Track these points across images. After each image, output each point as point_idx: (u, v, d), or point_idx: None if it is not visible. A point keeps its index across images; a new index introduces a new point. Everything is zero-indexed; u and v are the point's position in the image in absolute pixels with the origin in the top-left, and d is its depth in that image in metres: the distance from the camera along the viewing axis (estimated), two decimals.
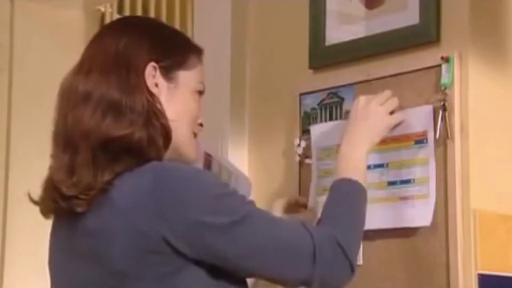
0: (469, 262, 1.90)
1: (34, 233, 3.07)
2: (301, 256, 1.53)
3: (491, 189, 1.97)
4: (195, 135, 1.70)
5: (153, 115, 1.57)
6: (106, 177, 1.51)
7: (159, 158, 1.56)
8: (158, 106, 1.59)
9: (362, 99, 1.89)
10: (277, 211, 2.03)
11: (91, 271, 1.53)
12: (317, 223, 1.65)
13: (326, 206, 1.68)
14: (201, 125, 1.71)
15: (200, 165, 1.91)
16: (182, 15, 3.42)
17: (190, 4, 2.99)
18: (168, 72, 1.63)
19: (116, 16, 3.47)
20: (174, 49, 1.66)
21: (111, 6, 3.42)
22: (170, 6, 3.48)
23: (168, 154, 1.60)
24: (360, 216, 1.68)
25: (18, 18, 3.30)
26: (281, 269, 1.53)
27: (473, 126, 1.95)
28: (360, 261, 2.05)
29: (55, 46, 3.25)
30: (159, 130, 1.57)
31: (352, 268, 1.59)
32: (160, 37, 1.66)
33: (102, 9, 3.39)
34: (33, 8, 3.31)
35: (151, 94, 1.59)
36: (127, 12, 3.43)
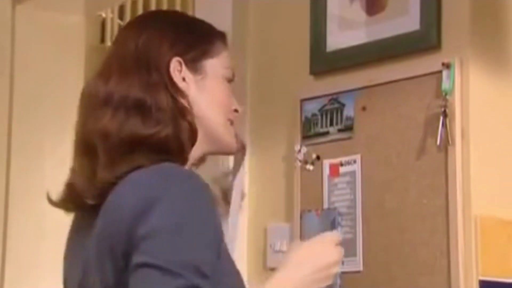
0: (470, 268, 1.90)
1: (35, 234, 3.08)
2: None
3: (492, 194, 1.97)
4: (231, 122, 1.64)
5: (178, 113, 1.53)
6: (119, 171, 1.48)
7: (183, 156, 1.53)
8: (184, 102, 1.55)
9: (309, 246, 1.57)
10: None
11: (100, 252, 1.49)
12: None
13: None
14: (236, 111, 1.67)
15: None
16: None
17: (191, 11, 3.00)
18: (194, 63, 1.57)
19: (117, 22, 3.48)
20: (197, 38, 1.61)
21: (112, 12, 3.42)
22: None
23: (208, 147, 1.57)
24: None
25: (19, 23, 3.30)
26: None
27: (474, 132, 1.95)
28: (360, 267, 2.05)
29: (56, 51, 3.25)
30: (185, 129, 1.53)
31: None
32: (181, 29, 1.60)
33: (103, 14, 3.39)
34: (34, 13, 3.31)
35: (177, 90, 1.54)
36: (128, 17, 3.43)
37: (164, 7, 3.48)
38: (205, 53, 1.60)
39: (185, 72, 1.57)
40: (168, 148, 1.50)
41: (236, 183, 2.02)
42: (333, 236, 1.59)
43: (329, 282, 1.52)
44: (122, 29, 1.70)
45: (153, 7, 3.51)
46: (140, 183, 1.45)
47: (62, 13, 3.31)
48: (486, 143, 1.97)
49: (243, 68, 2.43)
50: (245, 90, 2.43)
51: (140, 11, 3.49)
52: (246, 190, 2.34)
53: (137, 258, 1.36)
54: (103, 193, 1.48)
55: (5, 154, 3.25)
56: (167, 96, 1.53)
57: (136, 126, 1.50)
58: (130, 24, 1.72)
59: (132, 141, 1.49)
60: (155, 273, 1.34)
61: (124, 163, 1.48)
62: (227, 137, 1.61)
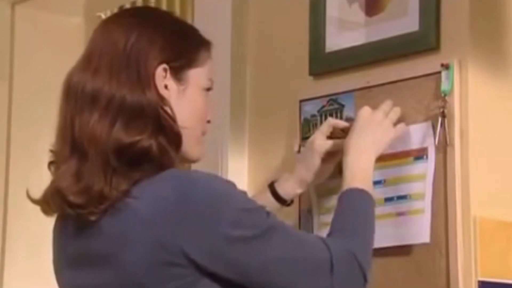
0: (469, 269, 1.90)
1: (34, 235, 3.07)
2: (319, 269, 1.54)
3: (491, 195, 1.97)
4: (203, 134, 1.67)
5: (163, 119, 1.53)
6: (124, 185, 1.48)
7: (172, 165, 1.53)
8: (168, 109, 1.55)
9: (366, 109, 1.90)
10: (320, 143, 1.97)
11: (107, 278, 1.51)
12: (329, 234, 1.66)
13: (338, 217, 1.69)
14: (208, 121, 1.68)
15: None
16: None
17: (190, 11, 3.00)
18: (178, 72, 1.58)
19: None
20: (185, 47, 1.61)
21: (112, 12, 3.41)
22: None
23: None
24: (371, 226, 1.70)
25: (18, 24, 3.30)
26: (300, 282, 1.53)
27: (473, 133, 1.95)
28: None
29: (56, 52, 3.25)
30: (169, 135, 1.53)
31: (365, 279, 1.62)
32: (171, 34, 1.60)
33: (103, 15, 3.38)
34: (34, 15, 3.32)
35: (161, 97, 1.55)
36: None
37: (164, 7, 3.48)
38: (191, 63, 1.61)
39: (169, 80, 1.57)
40: (153, 157, 1.50)
41: None
42: (393, 114, 1.89)
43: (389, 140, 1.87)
44: (110, 21, 1.66)
45: None
46: (167, 199, 1.47)
47: (62, 14, 3.31)
48: (485, 144, 1.97)
49: (243, 69, 2.43)
50: (244, 91, 2.43)
51: None
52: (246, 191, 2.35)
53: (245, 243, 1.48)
54: (105, 209, 1.48)
55: (4, 156, 3.25)
56: (154, 100, 1.53)
57: (119, 133, 1.49)
58: (119, 17, 1.68)
59: (118, 149, 1.49)
60: (267, 236, 1.51)
61: (125, 178, 1.48)
62: (195, 149, 1.63)
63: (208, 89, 1.66)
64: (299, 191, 2.00)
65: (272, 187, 1.99)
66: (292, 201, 2.03)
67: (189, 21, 3.29)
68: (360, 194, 1.73)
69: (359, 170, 1.78)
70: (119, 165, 1.49)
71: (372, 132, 1.85)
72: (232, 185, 1.56)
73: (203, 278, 1.47)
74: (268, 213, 1.55)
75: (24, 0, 3.27)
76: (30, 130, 3.25)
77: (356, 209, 1.70)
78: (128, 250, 1.47)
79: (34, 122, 3.24)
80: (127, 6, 3.44)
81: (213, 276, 1.47)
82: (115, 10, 3.39)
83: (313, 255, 1.55)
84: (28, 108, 3.27)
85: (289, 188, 1.98)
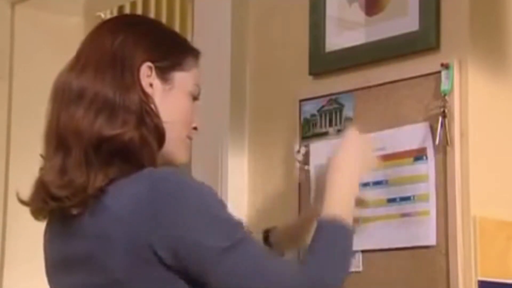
0: (469, 269, 1.90)
1: (34, 236, 3.07)
2: None
3: (491, 195, 1.97)
4: (189, 138, 1.68)
5: (147, 115, 1.54)
6: (99, 182, 1.49)
7: (153, 161, 1.53)
8: (152, 106, 1.56)
9: (356, 132, 1.76)
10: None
11: (90, 279, 1.52)
12: (303, 261, 1.57)
13: (314, 245, 1.58)
14: (195, 128, 1.69)
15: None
16: (182, 22, 3.42)
17: (190, 11, 3.00)
18: (164, 72, 1.60)
19: None
20: (171, 49, 1.63)
21: (111, 12, 3.42)
22: (169, 18, 3.48)
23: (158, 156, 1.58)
24: (347, 257, 1.60)
25: (18, 24, 3.30)
26: None
27: (473, 133, 1.95)
28: (359, 267, 2.04)
29: (56, 53, 3.25)
30: (152, 131, 1.54)
31: None
32: (157, 36, 1.63)
33: (102, 15, 3.39)
34: (34, 15, 3.32)
35: (146, 94, 1.57)
36: None
37: (163, 7, 3.49)
38: (177, 65, 1.63)
39: (154, 79, 1.58)
40: (133, 152, 1.51)
41: None
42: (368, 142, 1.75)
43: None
44: (99, 26, 1.70)
45: (152, 7, 3.51)
46: (142, 197, 1.47)
47: (61, 14, 3.31)
48: (485, 144, 1.97)
49: (242, 69, 2.43)
50: (244, 90, 2.43)
51: (139, 11, 3.50)
52: (245, 191, 2.35)
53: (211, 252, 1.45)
54: (85, 202, 1.49)
55: (4, 156, 3.25)
56: (137, 97, 1.55)
57: (102, 126, 1.51)
58: (108, 22, 1.73)
59: (99, 142, 1.50)
60: (235, 249, 1.46)
61: (101, 175, 1.49)
62: (178, 152, 1.63)
63: (195, 98, 1.67)
64: (290, 248, 1.92)
65: (266, 233, 1.93)
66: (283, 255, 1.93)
67: (189, 21, 3.30)
68: (337, 225, 1.59)
69: (343, 194, 1.65)
70: (99, 159, 1.50)
71: (358, 156, 1.70)
72: (206, 186, 1.53)
73: (178, 278, 1.46)
74: (240, 224, 1.51)
75: (24, 0, 3.27)
76: (30, 130, 3.24)
77: (331, 240, 1.57)
78: (108, 249, 1.48)
79: (34, 122, 3.23)
80: (127, 6, 3.45)
81: (182, 276, 1.47)
82: (115, 10, 3.40)
83: (283, 276, 1.48)
84: (28, 108, 3.27)
85: (282, 243, 1.90)
